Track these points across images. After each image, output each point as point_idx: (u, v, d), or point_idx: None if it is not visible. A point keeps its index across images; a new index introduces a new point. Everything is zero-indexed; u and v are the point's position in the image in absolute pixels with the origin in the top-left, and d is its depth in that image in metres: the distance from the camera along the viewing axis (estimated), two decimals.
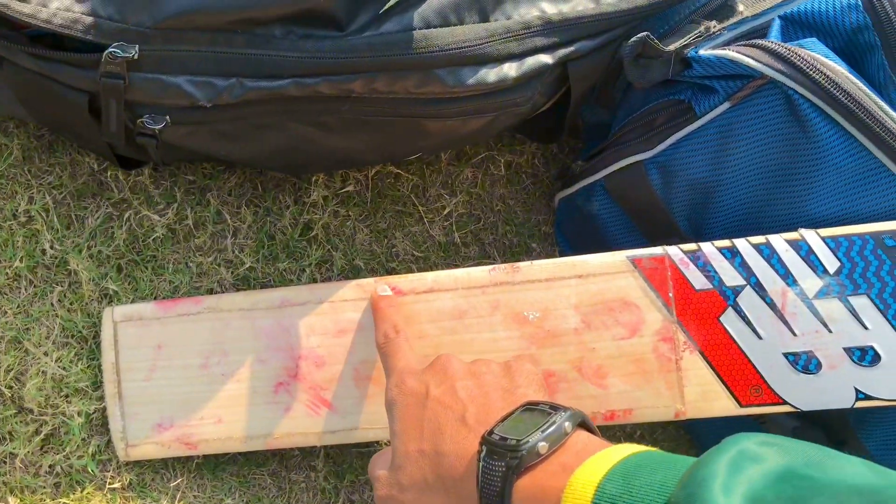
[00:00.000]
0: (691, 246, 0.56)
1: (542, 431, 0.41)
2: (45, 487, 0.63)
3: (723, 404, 0.56)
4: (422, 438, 0.46)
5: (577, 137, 0.78)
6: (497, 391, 0.47)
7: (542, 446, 0.40)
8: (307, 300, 0.62)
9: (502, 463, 0.40)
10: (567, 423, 0.42)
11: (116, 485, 0.65)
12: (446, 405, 0.46)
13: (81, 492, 0.64)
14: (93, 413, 0.64)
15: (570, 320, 0.58)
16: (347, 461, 0.70)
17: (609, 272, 0.58)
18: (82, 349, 0.65)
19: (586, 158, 0.69)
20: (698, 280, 0.56)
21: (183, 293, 0.67)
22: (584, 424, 0.44)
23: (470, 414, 0.45)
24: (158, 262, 0.68)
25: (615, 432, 0.74)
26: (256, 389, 0.62)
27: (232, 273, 0.69)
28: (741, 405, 0.56)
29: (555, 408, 0.44)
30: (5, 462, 0.63)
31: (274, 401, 0.62)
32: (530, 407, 0.45)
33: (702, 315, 0.56)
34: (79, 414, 0.63)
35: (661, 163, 0.62)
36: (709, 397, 0.56)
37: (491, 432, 0.42)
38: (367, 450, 0.70)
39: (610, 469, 0.36)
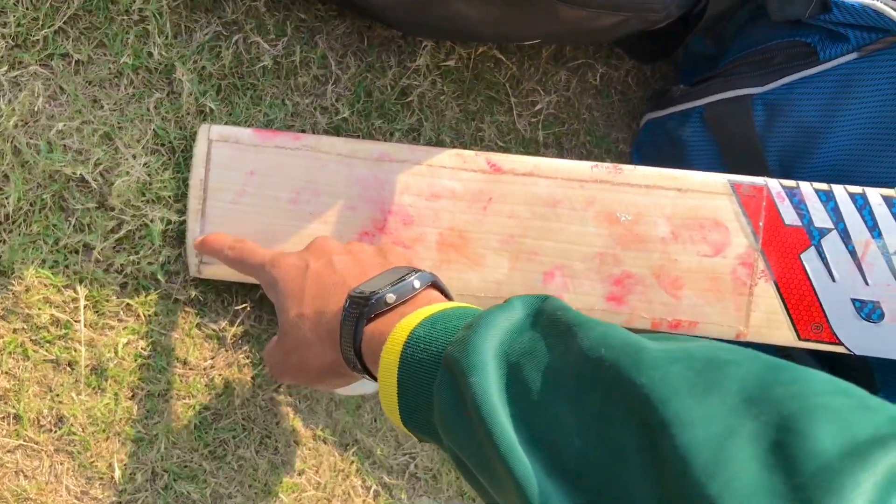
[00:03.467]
0: (790, 182, 0.59)
1: (393, 286, 0.46)
2: (112, 284, 0.64)
3: (783, 334, 0.60)
4: (302, 304, 0.50)
5: (671, 64, 0.79)
6: (372, 264, 0.52)
7: (390, 297, 0.45)
8: (406, 159, 0.63)
9: (357, 311, 0.45)
10: (417, 282, 0.47)
11: (180, 297, 0.66)
12: (326, 275, 0.51)
13: (146, 296, 0.65)
14: (171, 224, 0.65)
15: (661, 229, 0.60)
16: None
17: (708, 191, 0.60)
18: (170, 160, 0.65)
19: (690, 84, 0.71)
20: (790, 215, 0.59)
21: (276, 128, 0.68)
22: (435, 285, 0.49)
23: (349, 280, 0.50)
24: (257, 92, 0.68)
25: None
26: (342, 234, 0.63)
27: (326, 120, 0.69)
28: (800, 338, 0.60)
29: (413, 270, 0.48)
30: (78, 252, 0.64)
31: None
32: (395, 269, 0.49)
33: (785, 248, 0.59)
34: (161, 220, 0.64)
35: (769, 100, 0.64)
36: (772, 325, 0.60)
37: (356, 289, 0.47)
38: None
39: (426, 317, 0.42)
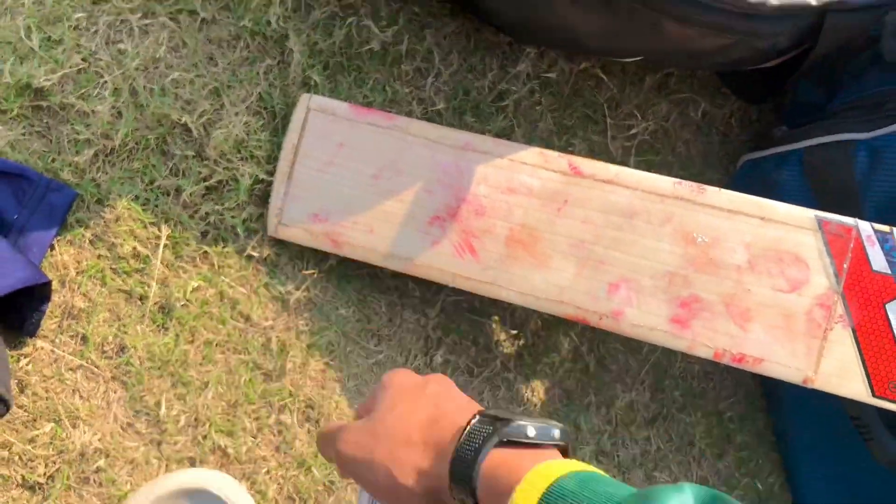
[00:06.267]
0: (884, 227, 0.56)
1: (534, 421, 0.42)
2: (194, 230, 0.67)
3: (855, 387, 0.56)
4: (416, 403, 0.45)
5: (778, 112, 0.77)
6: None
7: (531, 431, 0.41)
8: (489, 151, 0.64)
9: (489, 427, 0.41)
10: (558, 432, 0.42)
11: (255, 253, 0.68)
12: (448, 396, 0.46)
13: (223, 247, 0.68)
14: (259, 182, 0.68)
15: (737, 256, 0.58)
16: (457, 322, 0.72)
17: (792, 224, 0.57)
18: (269, 123, 0.69)
19: (792, 126, 0.69)
20: (878, 261, 0.55)
21: None
22: (565, 450, 0.44)
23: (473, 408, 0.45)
24: (361, 74, 0.70)
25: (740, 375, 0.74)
26: (414, 215, 0.64)
27: (422, 110, 0.71)
28: (874, 394, 0.55)
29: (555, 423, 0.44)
30: (169, 194, 0.67)
31: (426, 230, 0.64)
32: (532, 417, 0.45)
33: (869, 295, 0.55)
34: (249, 176, 0.67)
35: (874, 146, 0.61)
36: (844, 375, 0.56)
37: (486, 411, 0.43)
38: (478, 319, 0.73)
39: (569, 472, 0.38)
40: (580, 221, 0.61)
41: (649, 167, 0.76)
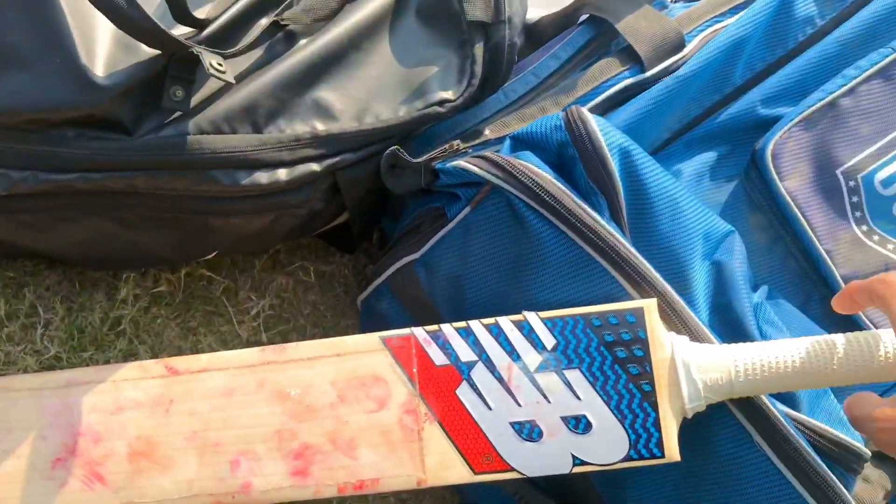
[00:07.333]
0: (433, 327, 0.64)
1: None
2: None
3: (459, 472, 0.61)
4: None
5: (382, 248, 0.86)
6: None
7: None
8: (91, 380, 0.66)
9: None
10: None
11: None
12: None
13: None
14: None
15: (328, 395, 0.63)
16: None
17: (363, 350, 0.64)
18: None
19: (375, 263, 0.78)
20: (438, 356, 0.63)
21: None
22: None
23: None
24: None
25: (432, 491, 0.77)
26: (35, 466, 0.64)
27: (38, 361, 0.73)
28: (475, 472, 0.61)
29: None
30: None
31: (51, 476, 0.64)
32: None
33: (440, 388, 0.62)
34: None
35: (426, 262, 0.71)
36: (446, 465, 0.61)
37: None
38: None
39: None
40: (188, 415, 0.64)
41: (284, 336, 0.81)
